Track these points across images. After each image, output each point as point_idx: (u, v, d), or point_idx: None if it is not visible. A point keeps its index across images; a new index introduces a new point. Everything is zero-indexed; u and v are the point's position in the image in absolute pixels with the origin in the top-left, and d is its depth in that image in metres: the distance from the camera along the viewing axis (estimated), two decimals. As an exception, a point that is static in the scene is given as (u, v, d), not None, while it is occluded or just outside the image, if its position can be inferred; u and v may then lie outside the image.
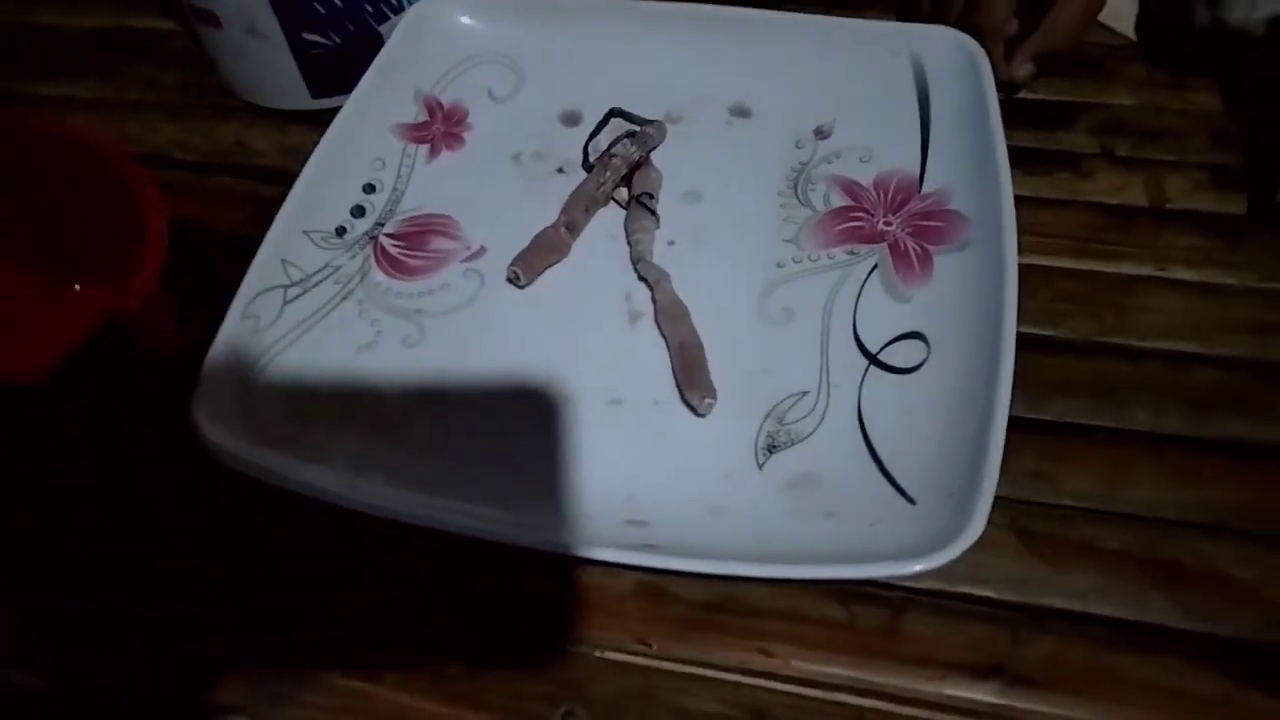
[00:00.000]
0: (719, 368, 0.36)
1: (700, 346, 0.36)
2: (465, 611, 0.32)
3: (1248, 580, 0.32)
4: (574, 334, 0.38)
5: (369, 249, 0.40)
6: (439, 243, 0.41)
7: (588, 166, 0.43)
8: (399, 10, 0.44)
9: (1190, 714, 0.30)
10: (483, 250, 0.40)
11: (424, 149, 0.43)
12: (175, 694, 0.31)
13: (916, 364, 0.35)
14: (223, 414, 0.33)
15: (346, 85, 0.45)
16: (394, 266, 0.40)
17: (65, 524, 0.34)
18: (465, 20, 0.46)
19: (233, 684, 0.31)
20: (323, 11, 0.42)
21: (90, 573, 0.33)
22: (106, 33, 0.52)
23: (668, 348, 0.37)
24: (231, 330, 0.35)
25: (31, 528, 0.34)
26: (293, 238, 0.39)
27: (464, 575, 0.33)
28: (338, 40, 0.43)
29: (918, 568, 0.29)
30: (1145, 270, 0.40)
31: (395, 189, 0.42)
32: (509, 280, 0.39)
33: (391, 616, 0.32)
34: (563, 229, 0.40)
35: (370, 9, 0.43)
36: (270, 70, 0.44)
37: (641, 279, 0.39)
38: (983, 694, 0.30)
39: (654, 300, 0.38)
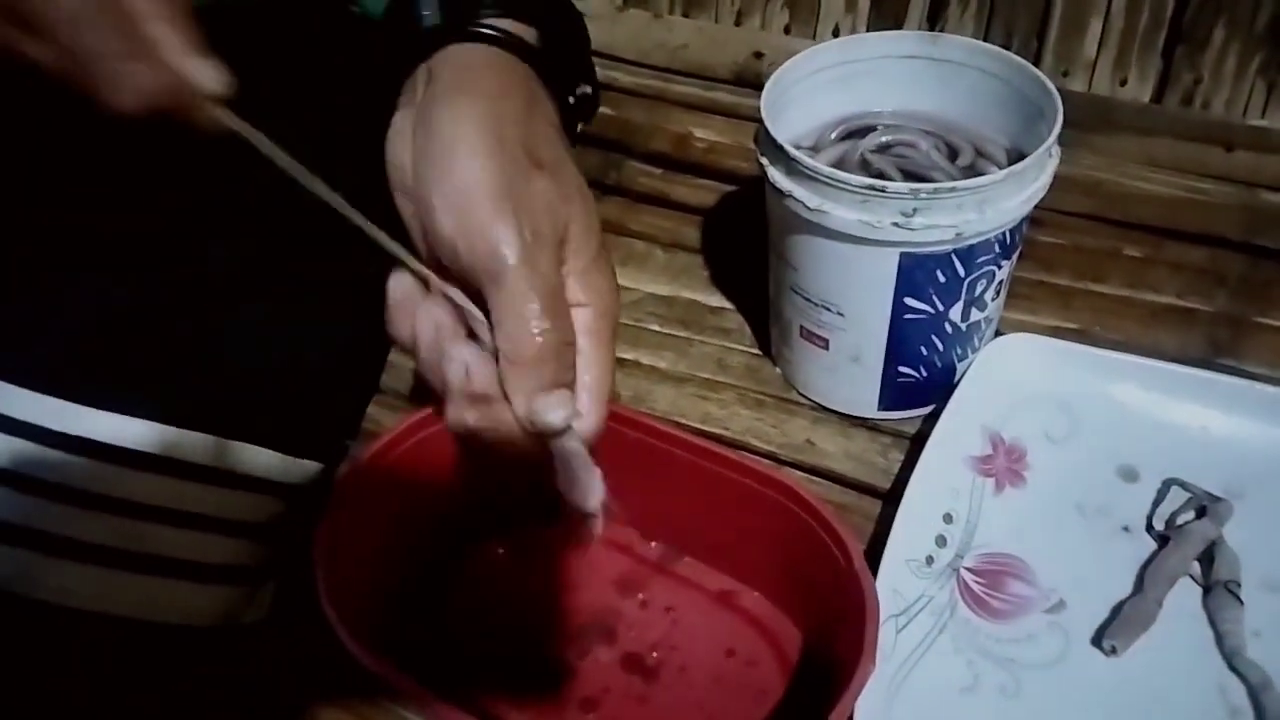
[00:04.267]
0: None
1: (1325, 776, 0.37)
2: None
3: None
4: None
5: (954, 582, 0.44)
6: (1017, 586, 0.44)
7: (1154, 533, 0.45)
8: (976, 350, 0.49)
9: None
10: (1062, 604, 0.43)
11: (990, 482, 0.47)
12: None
13: None
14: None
15: (909, 404, 0.50)
16: (978, 605, 0.43)
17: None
18: (1028, 362, 0.50)
19: None
20: (925, 353, 0.47)
21: None
22: (668, 300, 0.60)
23: (1282, 764, 0.38)
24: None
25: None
26: (898, 566, 0.43)
27: None
28: (924, 374, 0.48)
29: None
30: None
31: (969, 520, 0.46)
32: (1100, 648, 0.41)
33: None
34: (1154, 603, 0.42)
35: (959, 351, 0.48)
36: (851, 385, 0.50)
37: (1236, 673, 0.40)
38: None
39: (1259, 705, 0.39)
